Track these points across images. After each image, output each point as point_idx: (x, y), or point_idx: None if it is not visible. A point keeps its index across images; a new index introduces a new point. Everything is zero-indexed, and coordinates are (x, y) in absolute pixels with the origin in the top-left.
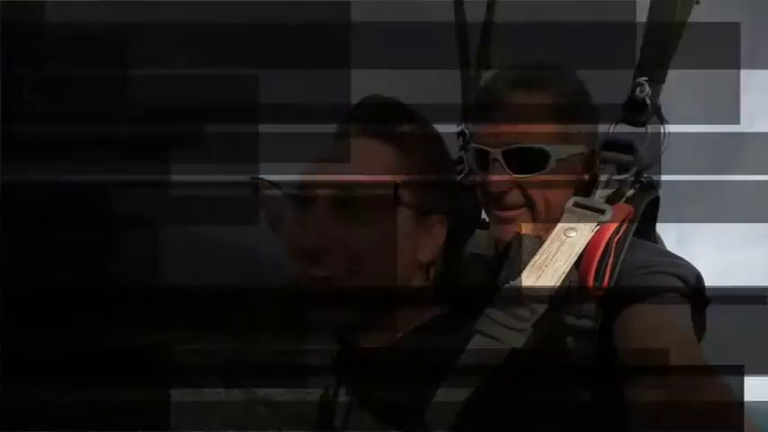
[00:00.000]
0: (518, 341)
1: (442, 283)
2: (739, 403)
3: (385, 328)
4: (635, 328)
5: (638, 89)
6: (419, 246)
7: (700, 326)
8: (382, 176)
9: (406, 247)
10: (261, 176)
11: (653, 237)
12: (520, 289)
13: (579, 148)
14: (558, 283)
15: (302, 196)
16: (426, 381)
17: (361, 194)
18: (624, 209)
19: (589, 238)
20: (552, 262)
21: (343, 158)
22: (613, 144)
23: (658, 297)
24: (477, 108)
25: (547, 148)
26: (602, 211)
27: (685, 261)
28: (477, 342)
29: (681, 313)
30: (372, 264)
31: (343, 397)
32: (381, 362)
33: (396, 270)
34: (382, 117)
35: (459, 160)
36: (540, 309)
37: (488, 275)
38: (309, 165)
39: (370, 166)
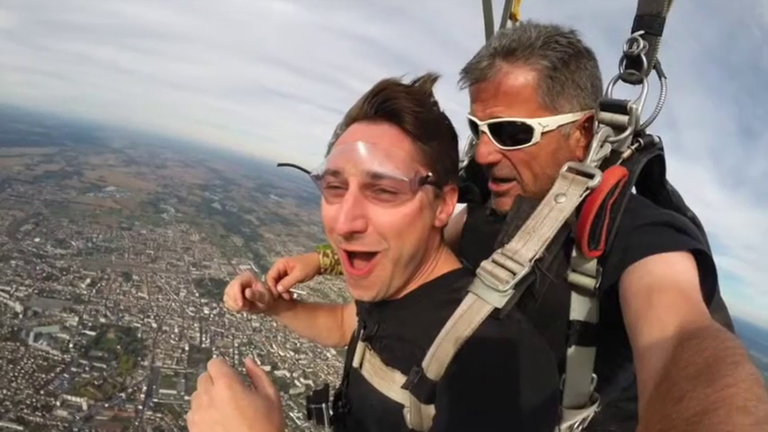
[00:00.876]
0: (499, 301)
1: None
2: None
3: (405, 281)
4: (635, 288)
5: (633, 44)
6: (435, 214)
7: (706, 277)
8: (410, 166)
9: (426, 218)
10: (296, 165)
11: (664, 193)
12: (507, 252)
13: (569, 117)
14: (543, 247)
15: (335, 185)
16: (427, 329)
17: (391, 182)
18: (617, 171)
19: (577, 203)
20: (540, 227)
21: (367, 143)
22: (608, 105)
23: (654, 252)
24: (467, 78)
25: (530, 121)
26: (591, 176)
27: (681, 216)
28: (467, 300)
29: (678, 267)
30: (401, 237)
31: (362, 339)
32: (394, 309)
33: (418, 238)
34: (396, 101)
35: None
36: (521, 272)
37: (492, 237)
38: (337, 151)
39: (392, 152)
